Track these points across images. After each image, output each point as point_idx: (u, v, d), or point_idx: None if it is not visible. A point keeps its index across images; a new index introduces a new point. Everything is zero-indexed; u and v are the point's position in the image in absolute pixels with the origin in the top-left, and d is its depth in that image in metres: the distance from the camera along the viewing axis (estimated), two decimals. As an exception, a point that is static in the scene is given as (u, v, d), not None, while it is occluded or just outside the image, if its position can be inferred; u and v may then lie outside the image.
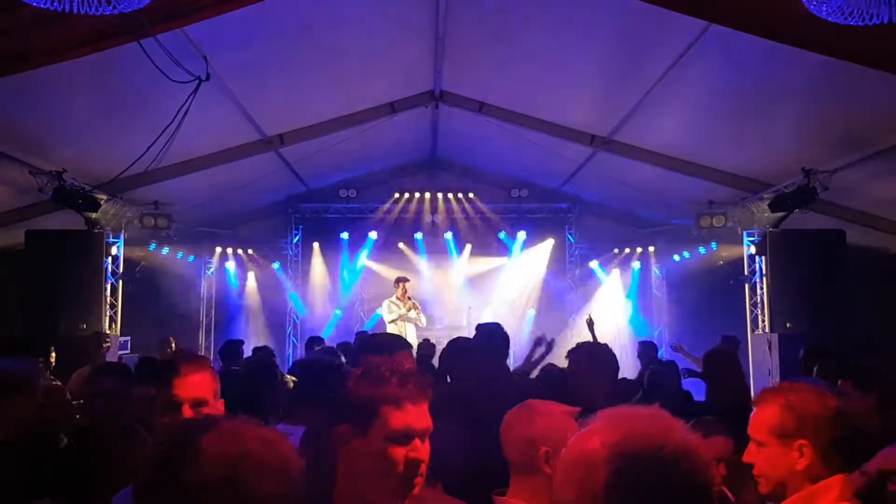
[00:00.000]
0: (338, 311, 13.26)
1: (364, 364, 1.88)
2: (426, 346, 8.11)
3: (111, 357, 8.81)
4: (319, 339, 8.53)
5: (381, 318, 11.06)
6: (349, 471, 1.81)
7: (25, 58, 5.54)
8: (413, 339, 10.32)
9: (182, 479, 1.11)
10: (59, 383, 5.04)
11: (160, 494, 1.14)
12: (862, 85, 6.37)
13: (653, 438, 1.15)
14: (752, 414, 2.20)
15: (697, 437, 1.19)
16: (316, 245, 13.35)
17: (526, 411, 2.25)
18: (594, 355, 3.70)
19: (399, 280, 11.04)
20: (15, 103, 6.66)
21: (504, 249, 13.58)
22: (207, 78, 6.45)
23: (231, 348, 7.38)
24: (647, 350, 8.11)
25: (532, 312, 13.29)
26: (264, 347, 7.61)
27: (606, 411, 1.25)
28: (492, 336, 4.51)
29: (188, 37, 6.21)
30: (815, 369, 5.17)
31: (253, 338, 11.84)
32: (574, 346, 3.83)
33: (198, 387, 2.34)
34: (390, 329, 10.25)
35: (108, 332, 9.67)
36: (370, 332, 9.05)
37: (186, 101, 6.49)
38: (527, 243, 13.50)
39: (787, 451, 2.08)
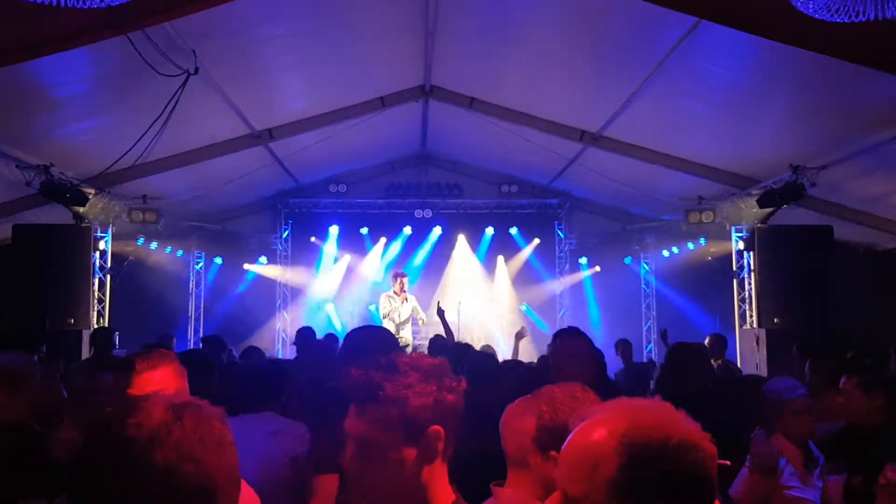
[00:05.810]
0: (329, 305, 13.25)
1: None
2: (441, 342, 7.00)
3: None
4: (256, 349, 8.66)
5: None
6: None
7: (11, 51, 5.50)
8: (409, 335, 10.37)
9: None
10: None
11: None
12: (850, 81, 6.39)
13: (659, 429, 1.12)
14: None
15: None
16: (313, 238, 13.33)
17: (523, 405, 2.17)
18: (575, 343, 3.67)
19: (397, 275, 10.84)
20: (0, 96, 6.60)
21: (494, 245, 13.59)
22: (196, 72, 6.41)
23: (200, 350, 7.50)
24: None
25: (524, 307, 13.32)
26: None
27: (609, 402, 1.21)
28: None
29: (176, 30, 6.16)
30: (807, 365, 5.15)
31: (242, 332, 11.80)
32: (557, 331, 3.80)
33: (157, 384, 2.27)
34: (386, 324, 10.17)
35: (95, 326, 9.61)
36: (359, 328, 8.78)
37: (175, 94, 6.45)
38: (517, 239, 13.53)
39: None
